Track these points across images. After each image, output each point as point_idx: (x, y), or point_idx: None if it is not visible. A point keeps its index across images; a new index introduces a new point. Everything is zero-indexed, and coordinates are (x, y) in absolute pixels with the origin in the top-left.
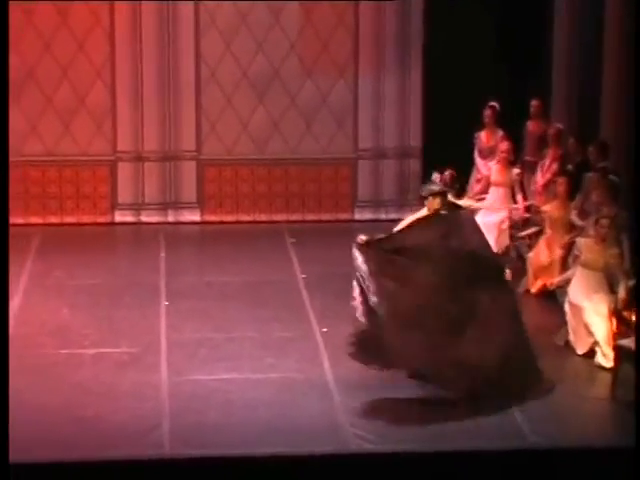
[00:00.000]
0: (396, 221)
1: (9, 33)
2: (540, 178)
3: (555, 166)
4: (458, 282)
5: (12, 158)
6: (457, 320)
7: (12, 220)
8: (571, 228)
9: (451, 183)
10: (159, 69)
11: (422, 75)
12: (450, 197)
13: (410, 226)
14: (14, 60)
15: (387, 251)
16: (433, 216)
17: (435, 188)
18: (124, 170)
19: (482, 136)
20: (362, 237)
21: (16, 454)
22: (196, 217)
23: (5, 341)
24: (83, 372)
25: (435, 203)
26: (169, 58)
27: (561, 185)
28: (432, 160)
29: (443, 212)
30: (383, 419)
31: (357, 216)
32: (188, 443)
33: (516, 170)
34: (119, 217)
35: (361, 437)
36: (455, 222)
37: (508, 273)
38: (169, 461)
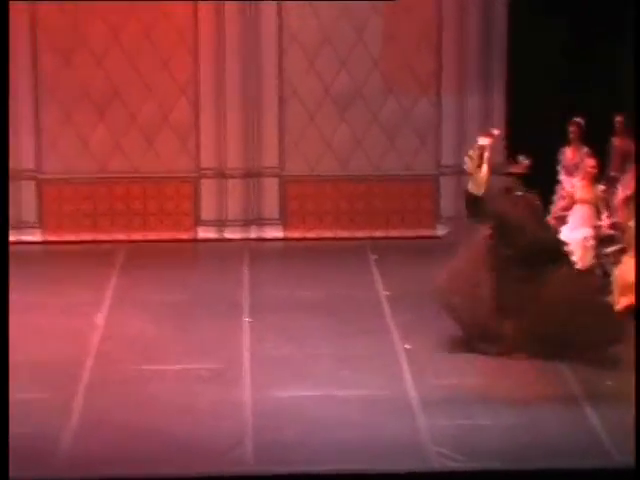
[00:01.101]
0: None
1: (96, 50)
2: (620, 194)
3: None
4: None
5: (97, 175)
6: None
7: (97, 237)
8: None
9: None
10: (242, 86)
11: (505, 91)
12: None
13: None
14: (99, 77)
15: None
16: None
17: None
18: (207, 187)
19: (567, 152)
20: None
21: (99, 470)
22: (279, 234)
23: (5, 347)
24: (166, 388)
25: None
26: (252, 75)
27: None
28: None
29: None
30: (466, 437)
31: (440, 232)
32: (270, 460)
33: (601, 187)
34: (202, 233)
35: (444, 455)
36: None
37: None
38: (252, 478)
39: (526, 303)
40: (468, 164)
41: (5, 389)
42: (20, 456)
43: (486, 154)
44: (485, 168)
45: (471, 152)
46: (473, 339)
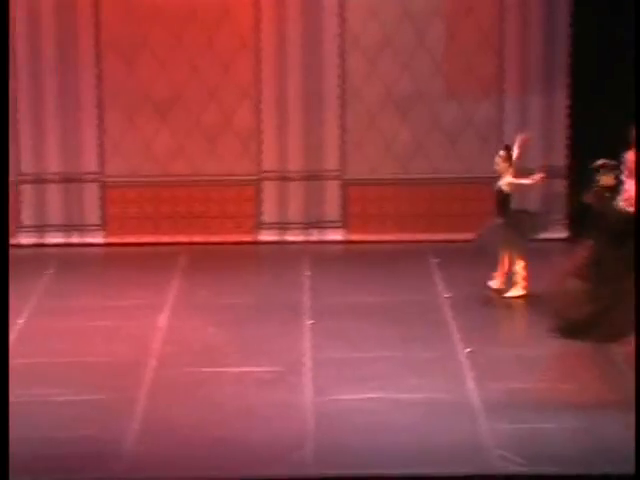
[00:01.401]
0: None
1: (158, 53)
2: None
3: None
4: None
5: (160, 178)
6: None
7: (159, 239)
8: None
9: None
10: (304, 89)
11: (568, 94)
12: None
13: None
14: (162, 80)
15: None
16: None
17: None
18: (269, 189)
19: (630, 156)
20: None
21: (161, 472)
22: (340, 236)
23: (5, 347)
24: (226, 390)
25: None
26: (314, 78)
27: None
28: (577, 180)
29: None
30: (528, 441)
31: None
32: (331, 463)
33: None
34: (264, 236)
35: (506, 459)
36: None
37: None
38: None
39: (625, 292)
40: (499, 164)
41: (5, 389)
42: (84, 458)
43: (515, 154)
44: (512, 169)
45: (501, 152)
46: (574, 330)
